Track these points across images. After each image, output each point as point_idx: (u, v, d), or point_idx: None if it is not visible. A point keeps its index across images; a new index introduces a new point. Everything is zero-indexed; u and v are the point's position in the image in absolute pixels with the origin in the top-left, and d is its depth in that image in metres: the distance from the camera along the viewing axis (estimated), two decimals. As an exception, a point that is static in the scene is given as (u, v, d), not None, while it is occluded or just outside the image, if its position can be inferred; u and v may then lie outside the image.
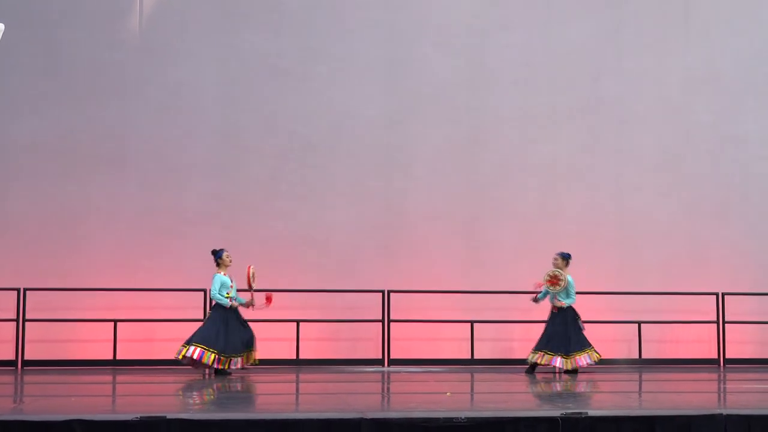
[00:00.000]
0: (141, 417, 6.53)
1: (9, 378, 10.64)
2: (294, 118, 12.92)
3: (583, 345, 11.09)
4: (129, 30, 12.75)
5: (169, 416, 6.58)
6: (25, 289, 11.74)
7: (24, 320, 11.74)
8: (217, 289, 10.71)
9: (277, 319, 11.73)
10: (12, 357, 11.69)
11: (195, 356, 10.51)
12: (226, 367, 10.58)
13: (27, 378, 10.64)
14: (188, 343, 10.61)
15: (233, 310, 10.81)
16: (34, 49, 12.44)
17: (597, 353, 11.17)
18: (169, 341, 12.00)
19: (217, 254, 10.92)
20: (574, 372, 10.99)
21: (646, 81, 13.61)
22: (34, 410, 7.53)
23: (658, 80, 13.64)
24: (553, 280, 11.06)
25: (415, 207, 13.04)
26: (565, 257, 11.21)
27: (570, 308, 11.14)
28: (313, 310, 11.43)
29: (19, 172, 12.36)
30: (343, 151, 12.98)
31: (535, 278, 11.38)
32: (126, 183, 12.53)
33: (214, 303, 10.86)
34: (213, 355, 10.52)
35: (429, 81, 13.20)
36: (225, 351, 10.57)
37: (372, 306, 12.35)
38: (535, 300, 11.28)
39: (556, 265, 11.16)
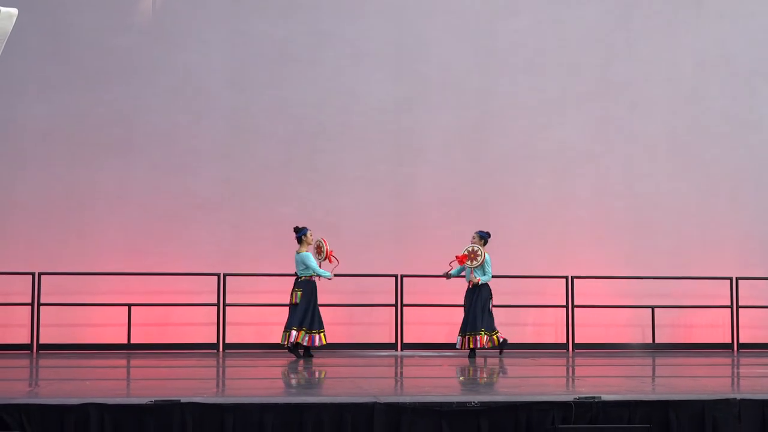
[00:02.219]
0: (155, 400, 6.55)
1: (24, 362, 10.71)
2: (304, 103, 12.91)
3: (488, 327, 11.16)
4: (139, 14, 12.74)
5: (183, 400, 6.60)
6: (39, 274, 11.79)
7: (39, 304, 11.80)
8: (315, 263, 10.92)
9: (290, 303, 11.74)
10: (27, 341, 11.77)
11: (291, 340, 10.82)
12: (307, 342, 10.81)
13: (42, 362, 10.71)
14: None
15: (315, 287, 11.01)
16: (44, 33, 12.45)
17: (497, 338, 11.23)
18: (183, 325, 12.10)
19: (301, 231, 11.03)
20: (473, 352, 11.18)
21: (657, 65, 13.53)
22: (50, 394, 7.57)
23: (670, 64, 13.55)
24: (471, 255, 11.24)
25: (425, 192, 13.03)
26: (483, 236, 11.39)
27: (486, 287, 11.24)
28: (325, 294, 11.43)
29: (29, 156, 12.39)
30: (353, 136, 12.97)
31: (544, 264, 11.38)
32: (136, 167, 12.55)
33: (303, 280, 10.93)
34: (301, 332, 10.80)
35: (439, 66, 13.17)
36: (312, 326, 10.86)
37: (385, 290, 12.37)
38: (447, 276, 11.39)
39: (473, 242, 11.32)
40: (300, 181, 12.84)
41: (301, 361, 10.57)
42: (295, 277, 11.07)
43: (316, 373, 9.60)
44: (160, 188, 12.56)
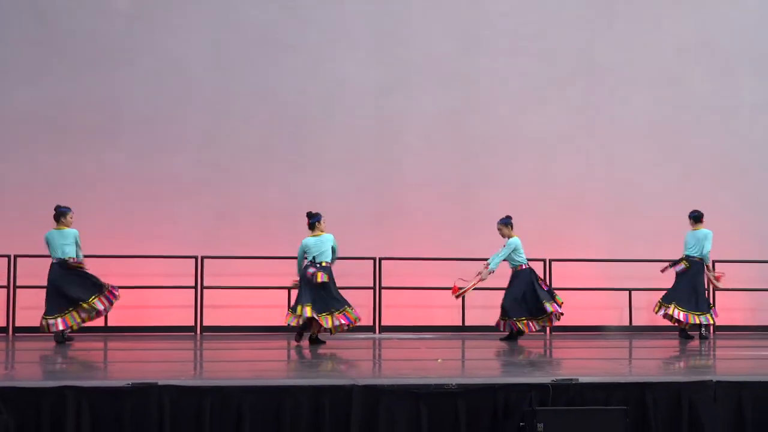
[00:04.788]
0: (133, 383, 6.54)
1: (1, 344, 10.64)
2: (286, 88, 12.88)
3: None
4: (122, -1, 12.65)
5: (161, 383, 6.59)
6: (15, 256, 11.71)
7: (15, 287, 11.72)
8: None
9: (269, 286, 11.75)
10: (3, 324, 11.68)
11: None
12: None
13: (19, 344, 10.66)
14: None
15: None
16: (25, 17, 12.34)
17: None
18: (161, 308, 12.05)
19: (315, 218, 10.34)
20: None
21: (639, 49, 13.56)
22: (26, 376, 7.54)
23: (652, 48, 13.59)
24: None
25: (407, 175, 13.03)
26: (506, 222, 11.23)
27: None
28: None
29: (12, 141, 12.30)
30: (336, 119, 12.96)
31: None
32: (118, 152, 12.50)
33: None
34: (295, 318, 10.16)
35: (421, 49, 13.15)
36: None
37: (363, 273, 12.37)
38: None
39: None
40: (282, 165, 12.82)
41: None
42: (313, 261, 10.37)
43: (299, 355, 9.61)
44: (142, 172, 12.51)
